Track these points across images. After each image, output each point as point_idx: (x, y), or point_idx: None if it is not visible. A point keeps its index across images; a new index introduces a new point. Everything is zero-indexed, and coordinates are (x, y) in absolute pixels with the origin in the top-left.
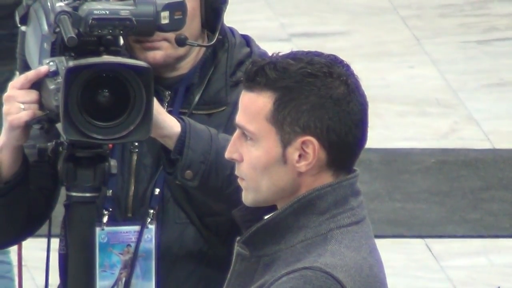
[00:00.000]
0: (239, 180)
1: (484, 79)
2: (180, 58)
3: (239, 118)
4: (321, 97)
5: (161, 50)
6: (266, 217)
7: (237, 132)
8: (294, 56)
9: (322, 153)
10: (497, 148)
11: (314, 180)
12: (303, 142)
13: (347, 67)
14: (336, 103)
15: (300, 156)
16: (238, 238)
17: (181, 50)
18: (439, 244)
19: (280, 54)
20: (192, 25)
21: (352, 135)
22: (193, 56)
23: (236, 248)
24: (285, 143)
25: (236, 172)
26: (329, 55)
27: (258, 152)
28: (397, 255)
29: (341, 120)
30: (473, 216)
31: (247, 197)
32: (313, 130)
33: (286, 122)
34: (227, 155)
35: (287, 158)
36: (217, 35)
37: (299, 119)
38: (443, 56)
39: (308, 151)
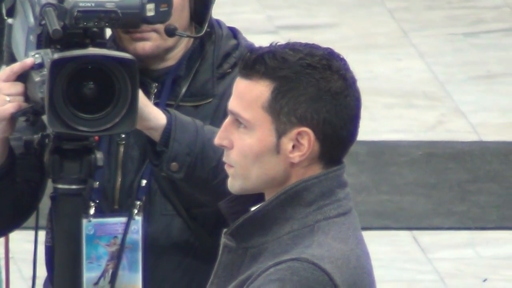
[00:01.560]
0: (226, 167)
1: (471, 72)
2: (168, 49)
3: (233, 105)
4: (319, 90)
5: (150, 41)
6: (252, 208)
7: (229, 119)
8: (293, 47)
9: (316, 145)
10: (484, 140)
11: (305, 171)
12: (299, 133)
13: (344, 61)
14: (334, 96)
15: (293, 146)
16: (224, 230)
17: (170, 41)
18: (426, 236)
19: (278, 44)
20: (181, 17)
21: (346, 130)
22: (181, 48)
23: (223, 239)
24: (280, 133)
25: (225, 159)
26: (326, 48)
27: (251, 140)
28: (384, 247)
29: (337, 114)
30: (460, 208)
31: (234, 185)
32: (309, 121)
33: (283, 112)
34: (216, 141)
35: (281, 148)
36: (205, 27)
37: (296, 109)
38: (431, 49)
39: (303, 142)
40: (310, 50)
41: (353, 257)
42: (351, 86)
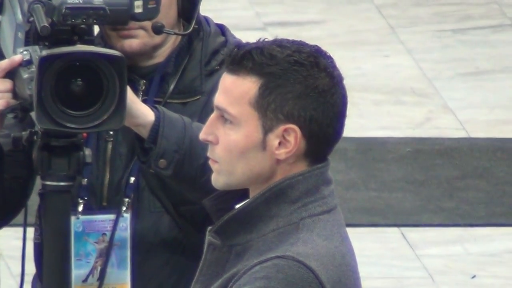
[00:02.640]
0: (211, 162)
1: (459, 68)
2: (156, 47)
3: (220, 100)
4: (307, 87)
5: (138, 39)
6: (237, 206)
7: (214, 114)
8: (280, 44)
9: (302, 143)
10: (472, 137)
11: (290, 168)
12: (285, 130)
13: (331, 59)
14: (321, 94)
15: (280, 143)
16: (209, 227)
17: (157, 39)
18: (414, 233)
19: (266, 40)
20: (169, 14)
21: (332, 127)
22: (169, 45)
23: (208, 237)
24: (267, 129)
25: (209, 154)
26: (313, 46)
27: (237, 136)
28: (372, 244)
29: (324, 112)
30: (448, 205)
31: (218, 180)
32: (296, 118)
33: (270, 108)
34: (201, 136)
35: (267, 144)
36: (193, 24)
37: (283, 106)
38: (418, 45)
39: (289, 139)
40: (298, 47)
41: (338, 255)
42: (338, 84)
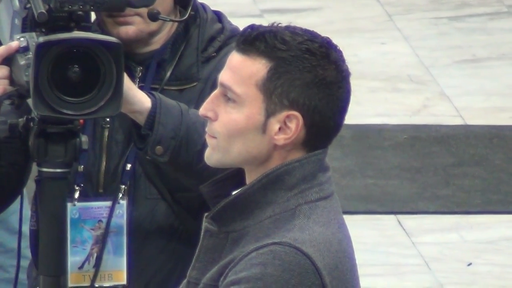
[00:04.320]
0: (207, 137)
1: (456, 55)
2: (152, 33)
3: (225, 78)
4: (315, 76)
5: (134, 25)
6: (234, 192)
7: (217, 91)
8: (294, 30)
9: (302, 131)
10: (469, 124)
11: (287, 155)
12: (288, 116)
13: (340, 53)
14: (328, 86)
15: (280, 129)
16: (206, 214)
17: (153, 25)
18: (410, 220)
19: (279, 25)
20: (165, 1)
21: (334, 120)
22: (166, 31)
23: (204, 224)
24: (269, 113)
25: (207, 129)
26: (325, 37)
27: (238, 115)
28: (369, 231)
29: (328, 104)
30: (444, 192)
31: (212, 156)
32: (300, 106)
33: (276, 92)
34: (201, 111)
35: (267, 128)
36: (189, 10)
37: (290, 92)
38: (415, 32)
39: (291, 125)
40: (310, 36)
41: (335, 241)
42: (345, 78)
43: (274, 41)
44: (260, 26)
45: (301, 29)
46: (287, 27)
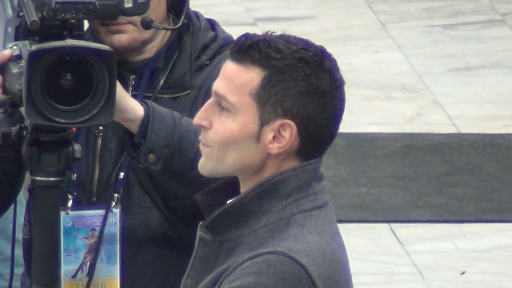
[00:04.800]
0: (201, 146)
1: (449, 64)
2: (145, 42)
3: (219, 87)
4: (309, 85)
5: (127, 34)
6: (228, 201)
7: (212, 100)
8: (288, 39)
9: (296, 140)
10: (462, 133)
11: (281, 164)
12: (282, 125)
13: (335, 61)
14: (322, 94)
15: (274, 137)
16: (200, 222)
17: (146, 34)
18: (404, 229)
19: (273, 33)
20: (158, 9)
21: (328, 129)
22: (159, 40)
23: (199, 232)
24: (263, 122)
25: (201, 138)
26: (319, 46)
27: (232, 124)
28: (362, 240)
29: (322, 113)
30: (438, 201)
31: (206, 165)
32: (294, 115)
33: (270, 101)
34: (195, 120)
35: (261, 137)
36: (182, 18)
37: (284, 101)
38: (409, 41)
39: (285, 134)
40: (304, 45)
41: (329, 251)
42: (339, 87)
43: (268, 50)
44: (254, 35)
45: (295, 37)
46: (281, 36)
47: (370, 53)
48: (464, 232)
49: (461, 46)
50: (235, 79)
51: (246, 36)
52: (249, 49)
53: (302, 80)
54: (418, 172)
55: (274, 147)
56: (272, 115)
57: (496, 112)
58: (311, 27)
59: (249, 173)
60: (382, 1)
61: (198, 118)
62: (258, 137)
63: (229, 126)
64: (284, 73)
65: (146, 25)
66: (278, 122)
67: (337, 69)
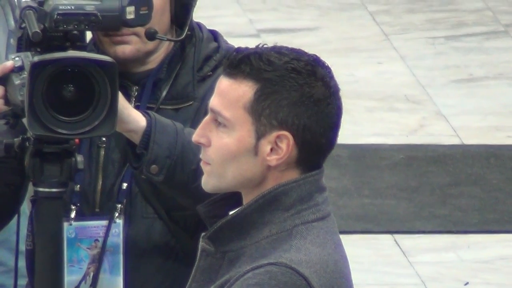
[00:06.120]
0: (202, 164)
1: (452, 75)
2: (149, 53)
3: (215, 103)
4: (302, 95)
5: (130, 45)
6: (231, 212)
7: (208, 117)
8: (279, 50)
9: (294, 150)
10: (466, 144)
11: (282, 175)
12: (278, 136)
13: (328, 69)
14: (316, 103)
15: (271, 149)
16: (203, 234)
17: (150, 45)
18: (407, 240)
19: (265, 46)
20: (161, 20)
21: (325, 137)
22: (162, 51)
23: (201, 243)
24: (260, 135)
25: (201, 156)
26: (312, 55)
27: (229, 139)
28: (365, 251)
29: (318, 121)
30: (441, 212)
31: (208, 182)
32: (290, 126)
33: (264, 114)
34: (194, 138)
35: (259, 150)
36: (186, 30)
37: (278, 113)
38: (412, 52)
39: (282, 146)
40: (296, 55)
41: (331, 262)
42: (334, 94)
43: (259, 62)
44: (245, 48)
45: (287, 48)
46: (273, 48)
47: (373, 65)
48: (468, 243)
49: (464, 57)
50: (228, 94)
51: (237, 50)
52: (241, 63)
53: (295, 90)
54: (421, 183)
55: (273, 159)
56: (267, 127)
57: (500, 123)
58: (314, 39)
59: (250, 186)
60: (385, 12)
61: (197, 135)
62: (255, 150)
63: (226, 141)
64: (277, 85)
65: (151, 36)
66: (274, 134)
67: (331, 77)
